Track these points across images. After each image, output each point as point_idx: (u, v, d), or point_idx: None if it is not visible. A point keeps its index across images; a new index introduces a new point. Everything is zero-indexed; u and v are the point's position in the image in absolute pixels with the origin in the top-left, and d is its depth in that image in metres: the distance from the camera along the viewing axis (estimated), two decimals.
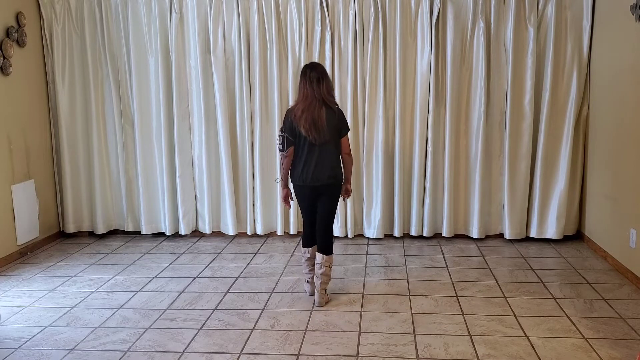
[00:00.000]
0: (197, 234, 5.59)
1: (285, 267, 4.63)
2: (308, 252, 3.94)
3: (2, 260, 4.76)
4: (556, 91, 4.97)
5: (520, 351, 3.17)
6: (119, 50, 5.31)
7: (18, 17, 4.99)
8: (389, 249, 5.09)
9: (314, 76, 3.66)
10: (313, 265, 3.95)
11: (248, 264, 4.74)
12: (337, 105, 3.80)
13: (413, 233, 5.30)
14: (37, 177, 5.25)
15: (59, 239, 5.57)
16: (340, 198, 3.95)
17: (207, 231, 5.51)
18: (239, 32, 5.14)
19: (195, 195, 5.48)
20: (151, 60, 5.26)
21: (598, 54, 4.80)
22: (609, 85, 4.58)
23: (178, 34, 5.18)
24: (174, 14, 5.15)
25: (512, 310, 3.71)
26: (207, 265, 4.73)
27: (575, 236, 5.23)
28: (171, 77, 5.26)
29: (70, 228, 5.55)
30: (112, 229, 5.66)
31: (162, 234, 5.58)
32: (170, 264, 4.78)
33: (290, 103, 4.95)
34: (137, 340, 3.38)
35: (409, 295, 4.00)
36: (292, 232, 5.43)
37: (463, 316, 3.63)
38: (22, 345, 3.35)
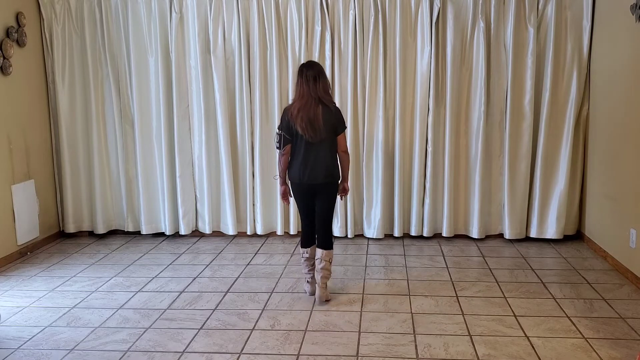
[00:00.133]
0: (197, 234, 5.59)
1: (285, 267, 4.63)
2: (307, 253, 3.95)
3: (2, 260, 4.76)
4: (556, 91, 4.97)
5: (520, 351, 3.17)
6: (119, 50, 5.31)
7: (18, 17, 4.99)
8: (389, 249, 5.09)
9: (311, 75, 3.69)
10: (312, 265, 3.96)
11: (248, 264, 4.74)
12: (334, 103, 3.83)
13: (413, 233, 5.30)
14: (37, 177, 5.25)
15: (59, 239, 5.57)
16: (338, 196, 3.96)
17: (207, 231, 5.51)
18: (239, 32, 5.14)
19: (195, 195, 5.48)
20: (151, 60, 5.26)
21: (598, 54, 4.80)
22: (609, 85, 4.58)
23: (178, 34, 5.19)
24: (174, 14, 5.15)
25: (512, 310, 3.71)
26: (207, 265, 4.73)
27: (575, 236, 5.23)
28: (171, 77, 5.26)
29: (70, 228, 5.55)
30: (112, 229, 5.66)
31: (162, 234, 5.58)
32: (170, 264, 4.78)
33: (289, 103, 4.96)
34: (137, 340, 3.38)
35: (409, 295, 4.00)
36: (292, 232, 5.43)
37: (463, 316, 3.64)
38: (22, 345, 3.35)
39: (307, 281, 4.00)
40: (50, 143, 5.48)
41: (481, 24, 4.94)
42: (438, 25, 4.99)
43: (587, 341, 3.28)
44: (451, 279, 4.32)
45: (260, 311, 3.77)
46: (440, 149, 5.15)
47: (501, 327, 3.47)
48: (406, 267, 4.60)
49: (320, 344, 3.28)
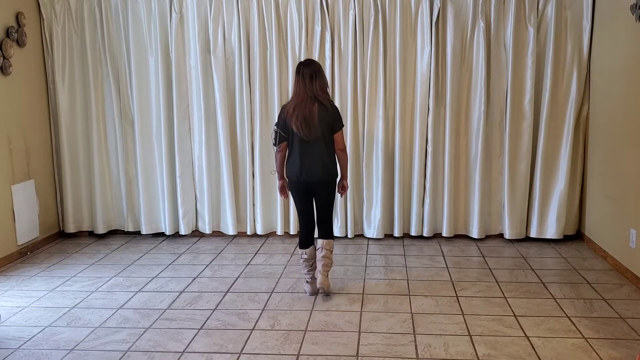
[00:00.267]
0: (197, 234, 5.59)
1: (285, 267, 4.63)
2: (306, 254, 3.96)
3: (2, 260, 4.76)
4: (556, 91, 4.97)
5: (520, 351, 3.17)
6: (119, 50, 5.31)
7: (18, 17, 4.99)
8: (389, 249, 5.09)
9: (307, 73, 3.72)
10: (312, 265, 3.98)
11: (248, 264, 4.74)
12: (331, 102, 3.85)
13: (413, 233, 5.30)
14: (37, 177, 5.25)
15: (59, 239, 5.57)
16: (338, 194, 4.00)
17: (207, 231, 5.51)
18: (239, 32, 5.14)
19: (195, 195, 5.48)
20: (151, 60, 5.26)
21: (598, 54, 4.80)
22: (609, 85, 4.58)
23: (178, 34, 5.19)
24: (174, 14, 5.15)
25: (512, 310, 3.71)
26: (207, 265, 4.73)
27: (575, 236, 5.23)
28: (171, 77, 5.26)
29: (70, 228, 5.55)
30: (112, 229, 5.66)
31: (162, 234, 5.58)
32: (170, 264, 4.78)
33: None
34: (137, 340, 3.38)
35: (409, 295, 4.00)
36: (292, 232, 5.43)
37: (463, 316, 3.63)
38: (22, 345, 3.35)
39: (307, 281, 4.00)
40: (50, 143, 5.48)
41: (481, 24, 4.94)
42: (438, 25, 4.99)
43: (587, 341, 3.28)
44: (451, 279, 4.32)
45: (260, 311, 3.77)
46: (440, 149, 5.15)
47: (501, 327, 3.47)
48: (406, 267, 4.60)
49: (320, 344, 3.28)
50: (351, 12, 5.02)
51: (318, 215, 3.97)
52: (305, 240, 3.98)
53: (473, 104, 5.08)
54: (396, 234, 5.30)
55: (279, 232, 5.45)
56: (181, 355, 3.19)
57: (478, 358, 3.10)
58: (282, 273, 4.50)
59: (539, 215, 5.12)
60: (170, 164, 5.38)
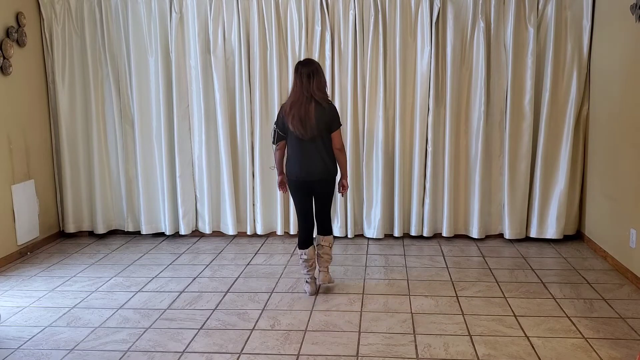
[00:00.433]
0: (197, 234, 5.59)
1: (285, 267, 4.63)
2: (305, 254, 3.98)
3: (2, 260, 4.76)
4: (556, 91, 4.97)
5: (520, 351, 3.17)
6: (119, 50, 5.31)
7: (18, 17, 4.99)
8: (389, 249, 5.09)
9: (305, 72, 3.76)
10: (311, 265, 4.00)
11: (248, 264, 4.74)
12: (329, 101, 3.87)
13: (413, 233, 5.30)
14: (37, 177, 5.25)
15: (59, 239, 5.57)
16: (339, 195, 4.04)
17: (207, 231, 5.51)
18: (239, 32, 5.14)
19: (195, 195, 5.48)
20: (151, 60, 5.26)
21: (598, 54, 4.80)
22: (609, 85, 4.58)
23: (178, 34, 5.19)
24: (174, 14, 5.15)
25: (512, 310, 3.71)
26: (207, 265, 4.73)
27: (575, 236, 5.23)
28: (171, 77, 5.26)
29: (70, 228, 5.55)
30: (112, 229, 5.66)
31: (162, 234, 5.58)
32: (170, 264, 4.78)
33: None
34: (137, 340, 3.38)
35: (409, 295, 4.00)
36: (292, 232, 5.43)
37: (463, 316, 3.63)
38: (22, 345, 3.35)
39: (307, 281, 4.01)
40: (50, 143, 5.48)
41: (481, 24, 4.94)
42: (438, 25, 4.99)
43: (587, 341, 3.28)
44: (451, 279, 4.32)
45: (260, 311, 3.77)
46: (440, 149, 5.15)
47: (501, 327, 3.47)
48: (406, 267, 4.60)
49: (320, 344, 3.28)
50: (351, 12, 5.02)
51: (317, 213, 4.02)
52: (305, 240, 4.00)
53: (473, 104, 5.08)
54: (396, 234, 5.30)
55: (279, 232, 5.45)
56: (181, 355, 3.19)
57: (478, 358, 3.10)
58: (282, 273, 4.50)
59: (539, 215, 5.12)
60: (170, 164, 5.38)
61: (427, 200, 5.21)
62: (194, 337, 3.41)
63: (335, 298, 3.96)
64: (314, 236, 4.09)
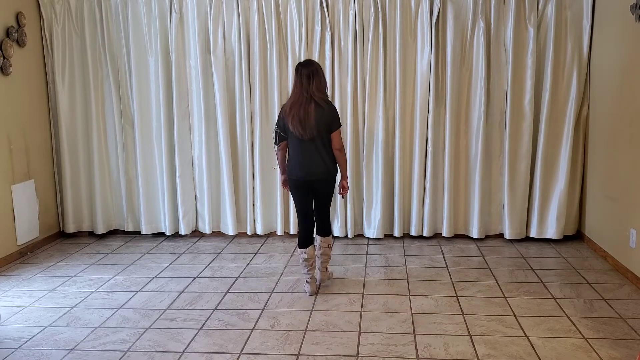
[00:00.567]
0: (197, 234, 5.59)
1: (285, 267, 4.63)
2: (305, 253, 3.99)
3: (2, 260, 4.76)
4: (556, 91, 4.97)
5: (520, 351, 3.17)
6: (119, 50, 5.31)
7: (18, 17, 4.99)
8: (389, 249, 5.09)
9: (305, 73, 3.79)
10: (311, 265, 4.01)
11: (248, 264, 4.74)
12: (329, 102, 3.90)
13: (413, 233, 5.30)
14: (37, 177, 5.25)
15: (59, 239, 5.57)
16: (340, 196, 4.07)
17: (207, 231, 5.51)
18: (239, 32, 5.14)
19: (195, 195, 5.48)
20: (151, 60, 5.26)
21: (598, 54, 4.80)
22: (609, 85, 4.58)
23: (178, 34, 5.19)
24: (174, 14, 5.15)
25: (512, 310, 3.71)
26: (207, 265, 4.73)
27: (575, 236, 5.23)
28: (171, 77, 5.26)
29: (70, 228, 5.55)
30: (112, 229, 5.66)
31: (162, 234, 5.58)
32: (170, 264, 4.78)
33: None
34: (137, 340, 3.38)
35: (409, 295, 4.00)
36: (292, 232, 5.43)
37: (463, 316, 3.63)
38: (22, 345, 3.35)
39: (307, 281, 4.02)
40: (50, 143, 5.48)
41: (481, 24, 4.94)
42: (438, 25, 4.99)
43: (587, 341, 3.28)
44: (451, 279, 4.32)
45: (260, 311, 3.77)
46: (440, 149, 5.15)
47: (501, 327, 3.47)
48: (406, 267, 4.60)
49: (320, 344, 3.28)
50: (351, 12, 5.02)
51: (316, 213, 4.05)
52: (305, 240, 4.01)
53: (473, 104, 5.08)
54: (396, 234, 5.30)
55: (279, 232, 5.45)
56: (181, 355, 3.19)
57: (478, 358, 3.10)
58: (282, 273, 4.50)
59: (539, 215, 5.12)
60: (170, 164, 5.38)
61: (427, 200, 5.21)
62: (194, 337, 3.41)
63: (335, 298, 3.96)
64: (314, 236, 4.10)
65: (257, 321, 3.62)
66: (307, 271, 4.00)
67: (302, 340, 3.33)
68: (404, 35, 5.04)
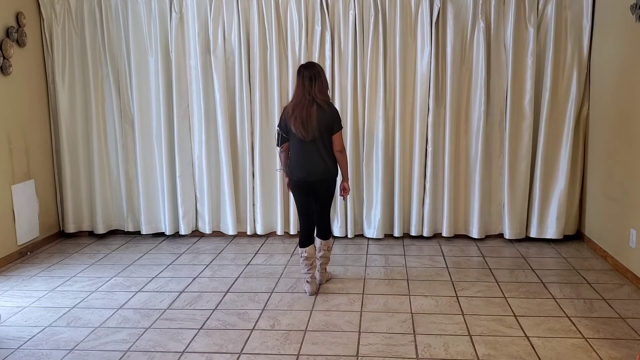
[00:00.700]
0: (197, 234, 5.59)
1: (285, 267, 4.63)
2: (305, 252, 4.01)
3: (2, 260, 4.76)
4: (556, 91, 4.97)
5: (520, 351, 3.17)
6: (119, 50, 5.31)
7: (18, 17, 4.99)
8: (389, 249, 5.09)
9: (307, 75, 3.83)
10: (311, 264, 4.02)
11: (248, 264, 4.74)
12: (331, 104, 3.94)
13: (413, 233, 5.30)
14: (37, 177, 5.25)
15: (59, 239, 5.57)
16: (340, 197, 4.08)
17: (207, 231, 5.51)
18: (239, 32, 5.14)
19: (195, 195, 5.48)
20: (151, 60, 5.26)
21: (598, 54, 4.80)
22: (609, 85, 4.58)
23: (178, 34, 5.19)
24: (174, 14, 5.15)
25: (512, 310, 3.71)
26: (207, 265, 4.73)
27: (575, 236, 5.23)
28: (171, 77, 5.26)
29: (70, 228, 5.55)
30: (112, 229, 5.66)
31: (162, 234, 5.58)
32: (170, 264, 4.78)
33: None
34: (137, 340, 3.38)
35: (409, 295, 4.00)
36: (292, 232, 5.43)
37: (463, 316, 3.64)
38: (22, 345, 3.35)
39: (307, 281, 4.02)
40: (50, 143, 5.48)
41: (481, 24, 4.94)
42: (438, 25, 4.99)
43: (587, 341, 3.28)
44: (451, 279, 4.32)
45: (260, 311, 3.77)
46: (440, 149, 5.15)
47: (501, 327, 3.47)
48: (406, 267, 4.60)
49: (320, 344, 3.28)
50: (351, 12, 5.02)
51: (316, 214, 4.06)
52: (305, 239, 4.03)
53: (473, 104, 5.08)
54: (396, 234, 5.30)
55: (279, 232, 5.45)
56: (181, 355, 3.19)
57: (478, 358, 3.10)
58: (282, 273, 4.50)
59: (539, 215, 5.12)
60: (170, 164, 5.38)
61: (427, 200, 5.21)
62: (194, 337, 3.41)
63: (335, 298, 3.96)
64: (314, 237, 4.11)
65: (257, 321, 3.62)
66: (308, 270, 4.01)
67: (302, 340, 3.33)
68: (404, 35, 5.04)
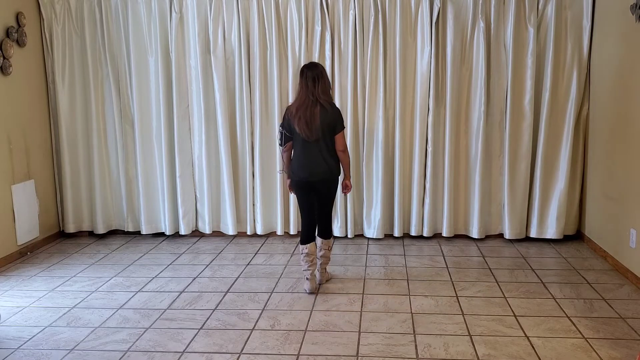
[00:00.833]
0: (197, 234, 5.59)
1: (285, 267, 4.63)
2: (306, 248, 4.04)
3: (2, 260, 4.76)
4: (556, 91, 4.97)
5: (520, 351, 3.17)
6: (119, 50, 5.31)
7: (18, 17, 4.99)
8: (389, 249, 5.09)
9: (310, 76, 3.87)
10: (312, 261, 4.05)
11: (248, 264, 4.74)
12: (333, 104, 3.98)
13: (413, 233, 5.30)
14: (37, 177, 5.25)
15: (59, 239, 5.57)
16: (341, 193, 4.12)
17: (207, 231, 5.51)
18: (239, 32, 5.14)
19: (195, 195, 5.48)
20: (151, 60, 5.26)
21: (598, 54, 4.80)
22: (609, 85, 4.58)
23: (178, 34, 5.19)
24: (174, 14, 5.15)
25: (512, 310, 3.71)
26: (207, 265, 4.73)
27: (575, 236, 5.23)
28: (171, 77, 5.26)
29: (70, 228, 5.55)
30: (112, 229, 5.66)
31: (162, 234, 5.58)
32: (170, 264, 4.78)
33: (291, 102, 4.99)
34: (137, 340, 3.38)
35: (409, 295, 4.00)
36: (292, 232, 5.43)
37: (463, 316, 3.64)
38: (22, 345, 3.35)
39: (307, 278, 4.04)
40: (50, 143, 5.48)
41: (481, 24, 4.94)
42: (438, 25, 4.99)
43: (587, 341, 3.28)
44: (451, 279, 4.32)
45: (260, 311, 3.77)
46: (440, 149, 5.15)
47: (501, 327, 3.47)
48: (406, 267, 4.60)
49: (320, 344, 3.28)
50: (351, 12, 5.02)
51: (318, 213, 4.08)
52: (307, 237, 4.07)
53: (473, 104, 5.08)
54: (396, 234, 5.30)
55: (279, 232, 5.45)
56: (181, 355, 3.19)
57: (478, 358, 3.10)
58: (282, 273, 4.50)
59: (539, 215, 5.12)
60: (170, 164, 5.38)
61: (427, 200, 5.21)
62: (194, 337, 3.41)
63: (335, 298, 3.96)
64: (315, 233, 4.14)
65: (257, 321, 3.62)
66: (308, 267, 4.02)
67: (302, 340, 3.33)
68: (404, 35, 5.04)
